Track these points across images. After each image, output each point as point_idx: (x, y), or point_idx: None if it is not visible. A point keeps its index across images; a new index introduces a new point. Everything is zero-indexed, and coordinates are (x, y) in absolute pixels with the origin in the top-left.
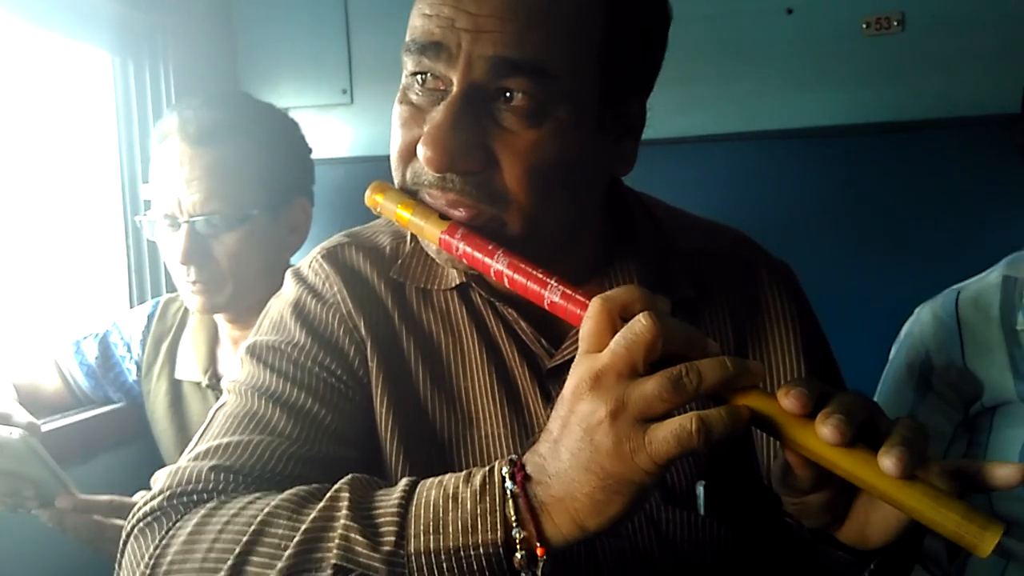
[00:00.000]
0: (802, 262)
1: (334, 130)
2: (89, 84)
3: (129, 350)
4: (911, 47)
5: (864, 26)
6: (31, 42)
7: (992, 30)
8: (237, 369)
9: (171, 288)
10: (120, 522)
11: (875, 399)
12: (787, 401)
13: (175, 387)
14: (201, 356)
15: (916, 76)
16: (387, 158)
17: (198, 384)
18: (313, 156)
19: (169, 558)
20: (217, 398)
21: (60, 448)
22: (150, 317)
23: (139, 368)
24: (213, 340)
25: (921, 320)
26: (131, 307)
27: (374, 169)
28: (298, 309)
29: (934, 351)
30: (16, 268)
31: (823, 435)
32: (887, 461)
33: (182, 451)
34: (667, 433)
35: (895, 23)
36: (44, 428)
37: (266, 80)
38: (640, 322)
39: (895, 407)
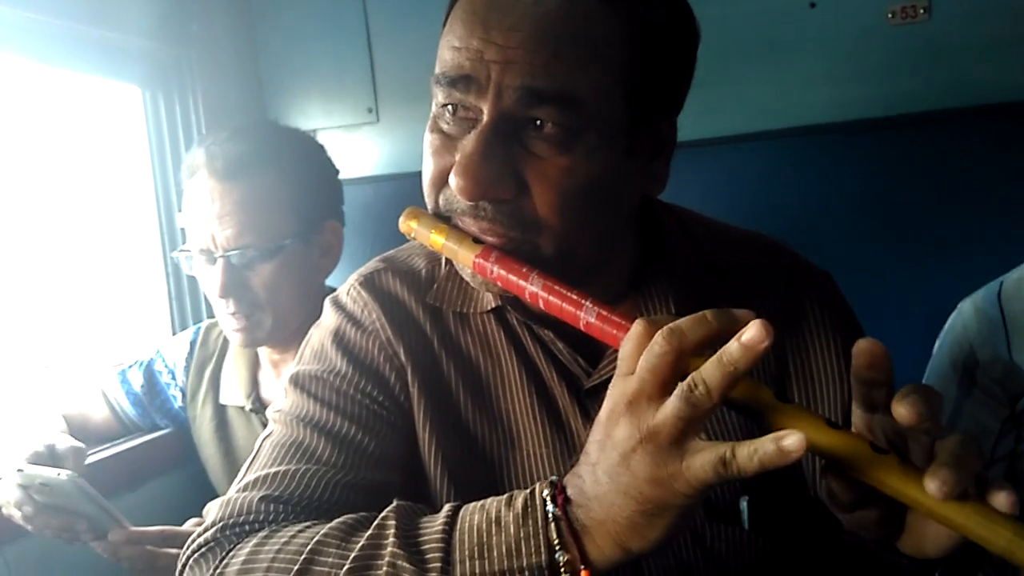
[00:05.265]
0: (836, 260)
1: (362, 149)
2: (122, 118)
3: (174, 377)
4: (939, 34)
5: (890, 15)
6: (66, 82)
7: (1021, 13)
8: (282, 399)
9: (211, 313)
10: (172, 551)
11: None
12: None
13: (220, 412)
14: (243, 381)
15: (946, 64)
16: (414, 174)
17: (242, 408)
18: (342, 175)
19: None
20: (261, 422)
21: (111, 476)
22: (192, 343)
23: (184, 394)
24: (254, 364)
25: (964, 314)
26: (173, 334)
27: (402, 186)
28: (338, 338)
29: (978, 346)
30: (60, 299)
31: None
32: (932, 484)
33: (229, 474)
34: (704, 461)
35: (921, 10)
36: (94, 457)
37: (293, 103)
38: (656, 342)
39: None
